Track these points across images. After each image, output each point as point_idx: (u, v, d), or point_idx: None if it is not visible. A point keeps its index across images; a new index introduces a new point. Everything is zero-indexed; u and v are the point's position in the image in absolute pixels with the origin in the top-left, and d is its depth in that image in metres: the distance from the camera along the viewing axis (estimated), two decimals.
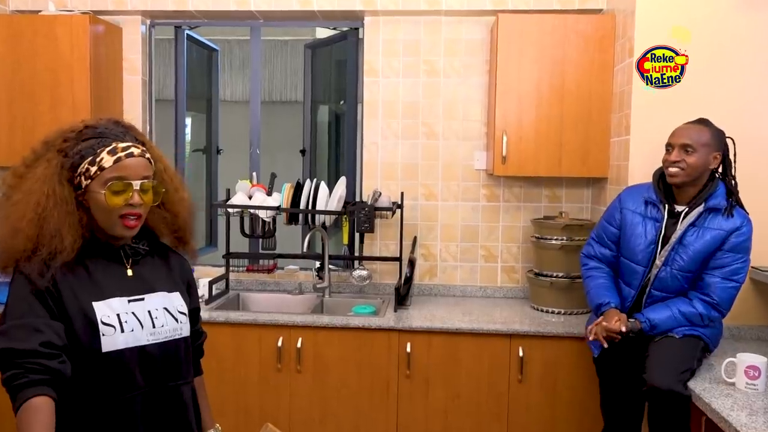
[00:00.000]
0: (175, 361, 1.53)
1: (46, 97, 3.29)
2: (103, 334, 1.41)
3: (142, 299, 1.50)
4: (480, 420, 2.94)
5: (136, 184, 1.45)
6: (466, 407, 2.94)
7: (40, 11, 3.41)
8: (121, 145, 1.46)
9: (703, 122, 2.45)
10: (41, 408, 1.28)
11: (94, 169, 1.43)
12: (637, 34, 2.84)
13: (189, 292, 1.67)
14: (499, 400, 2.93)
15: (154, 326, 1.49)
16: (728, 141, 2.46)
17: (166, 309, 1.53)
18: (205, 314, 3.00)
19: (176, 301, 1.56)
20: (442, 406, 2.95)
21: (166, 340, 1.51)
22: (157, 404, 1.49)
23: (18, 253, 1.40)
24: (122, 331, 1.43)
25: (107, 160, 1.43)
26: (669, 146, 2.45)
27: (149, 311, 1.49)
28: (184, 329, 1.55)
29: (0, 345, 1.32)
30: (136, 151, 1.47)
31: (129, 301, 1.48)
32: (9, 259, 1.41)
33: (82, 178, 1.44)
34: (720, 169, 2.46)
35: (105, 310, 1.43)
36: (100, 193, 1.43)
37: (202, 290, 3.29)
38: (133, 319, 1.46)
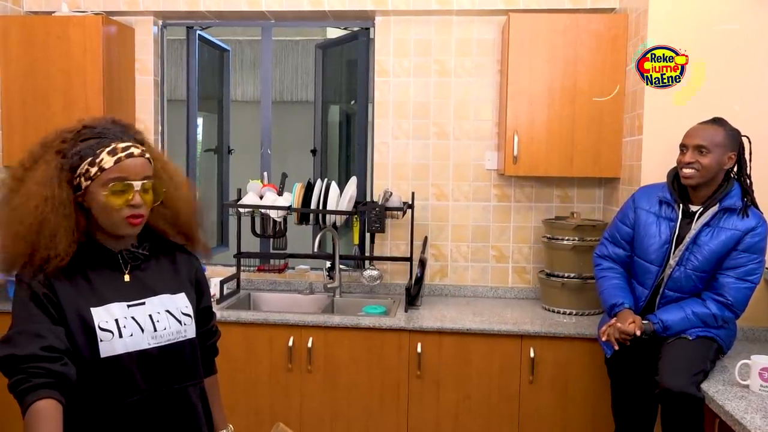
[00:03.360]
0: (179, 363, 1.52)
1: (59, 98, 3.32)
2: (101, 340, 1.41)
3: (143, 303, 1.49)
4: (491, 421, 2.93)
5: (137, 185, 1.44)
6: (476, 408, 2.94)
7: (53, 12, 3.44)
8: (121, 145, 1.44)
9: (717, 122, 2.42)
10: (46, 411, 1.28)
11: (94, 170, 1.41)
12: (650, 33, 2.82)
13: (199, 290, 1.66)
14: (510, 401, 2.92)
15: (155, 330, 1.48)
16: (744, 140, 2.44)
17: (168, 311, 1.52)
18: (215, 314, 3.01)
19: (180, 302, 1.55)
20: (453, 407, 2.94)
21: (169, 342, 1.50)
22: (163, 407, 1.49)
23: (20, 258, 1.40)
24: (120, 336, 1.43)
25: (107, 160, 1.41)
26: (683, 147, 2.43)
27: (150, 315, 1.48)
28: (188, 331, 1.54)
29: (2, 352, 1.33)
30: (136, 150, 1.45)
31: (128, 306, 1.47)
32: (12, 264, 1.42)
33: (82, 179, 1.42)
34: (735, 169, 2.44)
35: (103, 315, 1.43)
36: (101, 194, 1.41)
37: (213, 290, 3.30)
38: (133, 324, 1.45)
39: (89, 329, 1.40)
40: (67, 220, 1.40)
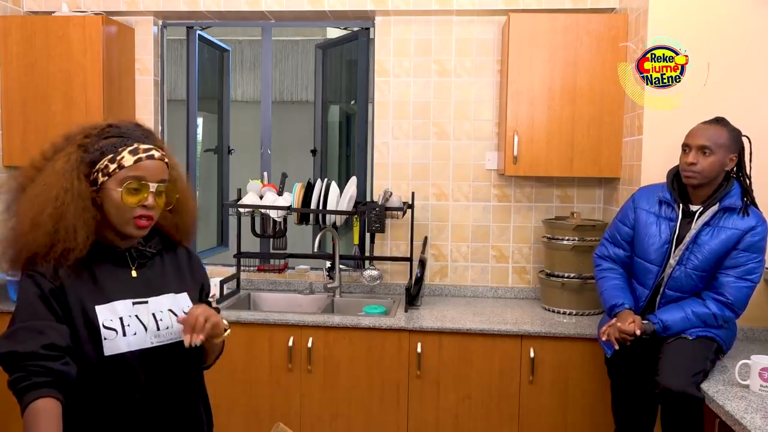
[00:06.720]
0: (181, 362, 1.53)
1: (59, 98, 3.31)
2: (105, 338, 1.41)
3: (146, 302, 1.50)
4: (491, 421, 2.93)
5: (152, 186, 1.46)
6: (477, 408, 2.94)
7: (53, 12, 3.44)
8: (143, 146, 1.47)
9: (720, 122, 2.42)
10: (45, 410, 1.28)
11: (113, 166, 1.44)
12: (649, 33, 2.82)
13: (203, 290, 1.67)
14: (510, 401, 2.91)
15: (158, 329, 1.49)
16: (744, 139, 2.44)
17: (171, 311, 1.52)
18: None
19: (183, 302, 1.56)
20: (453, 407, 2.94)
21: (171, 342, 1.50)
22: (164, 405, 1.50)
23: (36, 248, 1.40)
24: (124, 334, 1.43)
25: (128, 159, 1.44)
26: (686, 147, 2.42)
27: (153, 314, 1.49)
28: None
29: (3, 348, 1.34)
30: (156, 154, 1.48)
31: (133, 303, 1.48)
32: (26, 254, 1.42)
33: (100, 174, 1.44)
34: (735, 168, 2.44)
35: (107, 314, 1.43)
36: (116, 191, 1.43)
37: (213, 290, 3.30)
38: (136, 322, 1.46)
39: (93, 327, 1.41)
40: (85, 213, 1.42)
